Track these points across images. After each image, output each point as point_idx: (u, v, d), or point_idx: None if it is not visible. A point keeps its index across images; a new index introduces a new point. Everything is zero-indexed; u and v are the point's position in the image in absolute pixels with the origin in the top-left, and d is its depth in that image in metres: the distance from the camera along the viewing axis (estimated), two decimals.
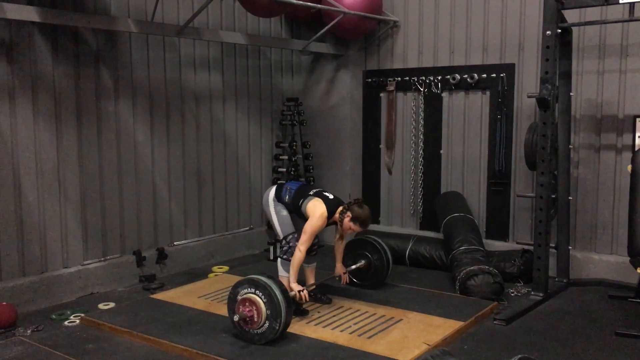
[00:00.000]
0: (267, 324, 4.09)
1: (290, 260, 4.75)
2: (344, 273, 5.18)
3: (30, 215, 5.09)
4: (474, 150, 6.49)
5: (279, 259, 4.86)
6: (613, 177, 5.70)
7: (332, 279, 5.23)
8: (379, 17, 6.69)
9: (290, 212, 4.89)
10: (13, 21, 4.79)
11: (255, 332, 4.14)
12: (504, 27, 6.21)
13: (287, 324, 4.15)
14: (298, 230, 4.86)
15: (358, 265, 5.35)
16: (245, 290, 4.17)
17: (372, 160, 7.26)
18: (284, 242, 4.86)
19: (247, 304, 4.12)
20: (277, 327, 4.06)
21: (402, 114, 6.98)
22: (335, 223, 4.81)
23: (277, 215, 4.87)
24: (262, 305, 4.08)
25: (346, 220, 4.66)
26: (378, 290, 5.38)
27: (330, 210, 4.68)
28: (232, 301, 4.23)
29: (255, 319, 4.10)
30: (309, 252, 4.95)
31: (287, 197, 4.84)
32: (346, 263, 5.29)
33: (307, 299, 4.59)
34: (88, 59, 5.41)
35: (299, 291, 4.49)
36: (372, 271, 5.40)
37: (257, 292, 4.11)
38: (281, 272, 4.82)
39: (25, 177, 5.04)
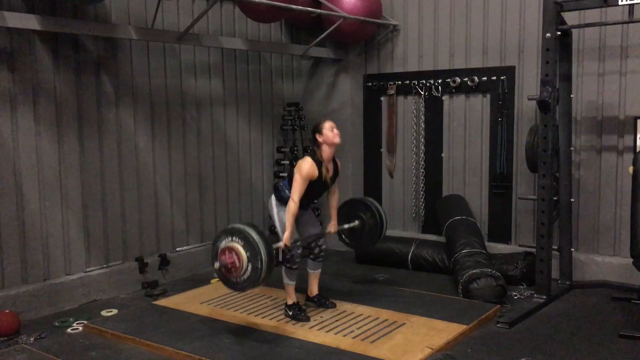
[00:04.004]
0: (249, 267, 4.07)
1: (293, 269, 4.74)
2: (335, 232, 5.10)
3: (32, 223, 5.10)
4: (475, 153, 6.49)
5: (283, 268, 4.82)
6: (615, 178, 5.70)
7: (332, 280, 5.21)
8: (378, 21, 6.70)
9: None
10: (14, 29, 4.81)
11: (242, 278, 4.12)
12: (504, 30, 6.22)
13: (270, 263, 4.07)
14: (302, 236, 4.84)
15: (352, 225, 5.27)
16: (224, 242, 4.17)
17: (374, 164, 7.26)
18: (286, 249, 4.83)
19: (226, 252, 4.14)
20: (260, 266, 4.02)
21: (403, 117, 6.99)
22: (334, 176, 4.85)
23: (280, 223, 4.84)
24: (241, 248, 4.07)
25: (321, 138, 4.63)
26: (381, 294, 5.37)
27: (316, 159, 4.63)
28: (214, 256, 4.25)
29: (237, 264, 4.09)
30: (316, 257, 4.95)
31: (285, 191, 4.73)
32: (340, 224, 5.19)
33: (290, 250, 4.59)
34: (89, 66, 5.43)
35: (285, 245, 4.46)
36: (366, 231, 5.29)
37: (234, 238, 4.13)
38: (285, 280, 4.82)
39: (27, 185, 5.05)
